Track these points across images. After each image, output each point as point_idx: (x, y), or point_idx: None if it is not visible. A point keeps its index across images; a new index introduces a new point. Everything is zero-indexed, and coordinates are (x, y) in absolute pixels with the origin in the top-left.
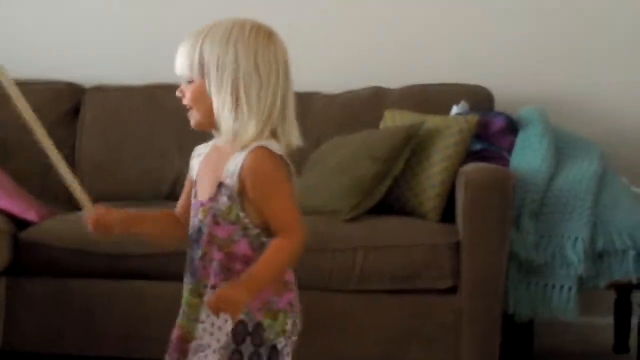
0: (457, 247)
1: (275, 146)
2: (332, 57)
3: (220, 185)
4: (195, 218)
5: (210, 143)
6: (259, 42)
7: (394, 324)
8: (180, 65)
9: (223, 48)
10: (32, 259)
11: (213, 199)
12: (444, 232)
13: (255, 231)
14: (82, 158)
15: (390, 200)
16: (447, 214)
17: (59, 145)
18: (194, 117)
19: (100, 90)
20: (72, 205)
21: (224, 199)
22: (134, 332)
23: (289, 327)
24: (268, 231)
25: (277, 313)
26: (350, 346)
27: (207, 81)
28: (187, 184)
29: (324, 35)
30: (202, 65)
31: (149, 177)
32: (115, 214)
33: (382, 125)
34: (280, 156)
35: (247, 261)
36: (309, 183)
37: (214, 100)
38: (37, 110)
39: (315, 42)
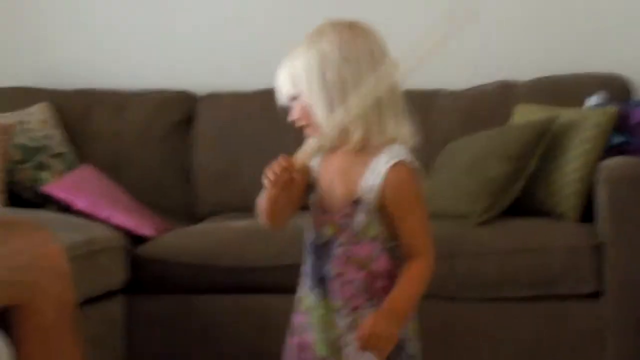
0: (598, 249)
1: (408, 156)
2: (455, 51)
3: (356, 201)
4: (320, 230)
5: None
6: (342, 36)
7: (530, 334)
8: (282, 84)
9: (308, 52)
10: (150, 276)
11: (348, 215)
12: (584, 233)
13: (393, 243)
14: (198, 168)
15: (524, 201)
16: (586, 214)
17: (173, 155)
18: (311, 132)
19: (214, 98)
20: (188, 218)
21: (361, 216)
22: (262, 349)
23: (415, 331)
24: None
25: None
26: (482, 358)
27: (303, 91)
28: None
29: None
30: (295, 77)
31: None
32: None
33: (511, 121)
34: (417, 170)
35: (389, 276)
36: (437, 185)
37: (314, 108)
38: (149, 120)
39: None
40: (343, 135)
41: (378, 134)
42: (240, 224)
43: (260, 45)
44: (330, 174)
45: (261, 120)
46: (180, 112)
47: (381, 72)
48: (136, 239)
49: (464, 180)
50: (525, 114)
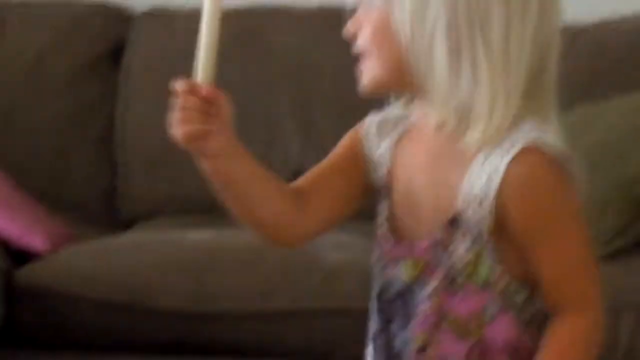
0: None
1: (552, 141)
2: None
3: (454, 220)
4: (393, 271)
5: (403, 117)
6: None
7: None
8: None
9: None
10: (36, 319)
11: (441, 244)
12: None
13: (522, 295)
14: (128, 136)
15: None
16: None
17: (85, 113)
18: (371, 70)
19: (158, 18)
20: (107, 221)
21: (463, 246)
22: None
23: None
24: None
25: None
26: None
27: (396, 8)
28: (339, 155)
29: None
30: None
31: None
32: (226, 136)
33: None
34: (568, 161)
35: (512, 352)
36: None
37: (412, 36)
38: (46, 51)
39: None
40: (461, 117)
41: (503, 109)
42: (196, 236)
43: None
44: (408, 172)
45: (236, 55)
46: (101, 38)
47: (546, 14)
48: (18, 256)
49: (584, 180)
50: None
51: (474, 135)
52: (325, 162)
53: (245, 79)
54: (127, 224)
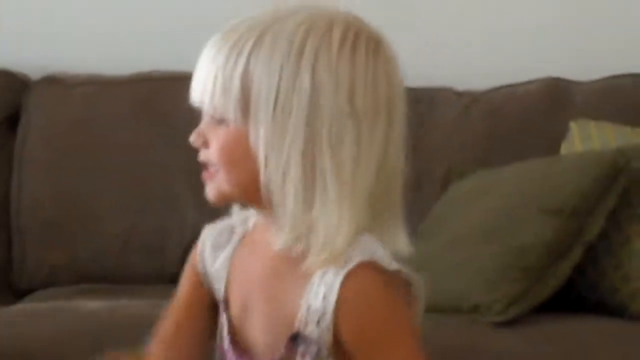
0: None
1: (381, 253)
2: (476, 33)
3: (295, 337)
4: None
5: (240, 224)
6: (357, 60)
7: None
8: (204, 89)
9: (290, 68)
10: None
11: None
12: None
13: None
14: (23, 204)
15: (580, 289)
16: None
17: None
18: (217, 185)
19: (55, 84)
20: (2, 292)
21: None
22: None
23: None
24: None
25: None
26: None
27: (252, 126)
28: (185, 292)
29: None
30: (246, 97)
31: (139, 240)
32: None
33: (564, 147)
34: (395, 274)
35: None
36: (432, 254)
37: (265, 162)
38: None
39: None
40: (307, 236)
41: (347, 233)
42: (91, 305)
43: (135, 5)
44: (245, 286)
45: (131, 123)
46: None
47: (394, 134)
48: None
49: (479, 247)
50: (588, 138)
51: (317, 257)
52: (177, 305)
53: (143, 146)
54: (22, 294)
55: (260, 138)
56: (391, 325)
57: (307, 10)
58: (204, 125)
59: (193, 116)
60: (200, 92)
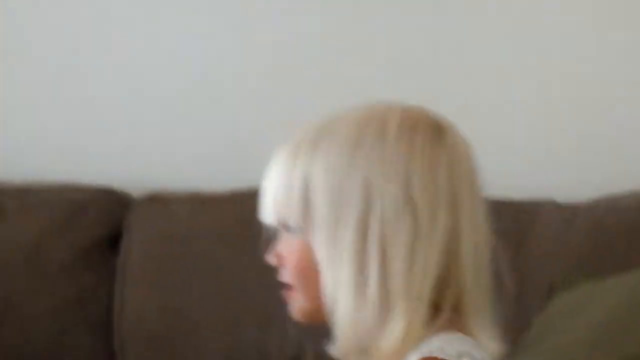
0: None
1: (453, 351)
2: (572, 142)
3: None
4: None
5: None
6: (415, 150)
7: None
8: (271, 206)
9: (344, 169)
10: None
11: None
12: None
13: None
14: (125, 319)
15: None
16: None
17: (87, 299)
18: (297, 303)
19: (157, 202)
20: None
21: None
22: None
23: None
24: None
25: None
26: None
27: (313, 233)
28: None
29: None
30: (306, 203)
31: (240, 357)
32: None
33: None
34: None
35: None
36: None
37: (324, 270)
38: (46, 237)
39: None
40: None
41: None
42: None
43: (233, 125)
44: None
45: (232, 240)
46: (101, 223)
47: (464, 229)
48: None
49: (585, 357)
50: None
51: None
52: None
53: (243, 263)
54: None
55: (319, 247)
56: None
57: (363, 106)
58: (279, 244)
59: None
60: (268, 210)
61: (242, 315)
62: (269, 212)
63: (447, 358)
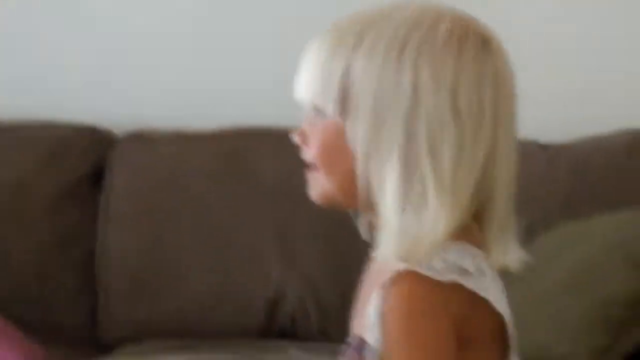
0: None
1: (457, 260)
2: (556, 82)
3: (360, 344)
4: None
5: None
6: (464, 57)
7: None
8: (305, 85)
9: (392, 65)
10: None
11: None
12: None
13: None
14: (108, 259)
15: None
16: None
17: (66, 235)
18: (318, 183)
19: (140, 141)
20: (86, 344)
21: None
22: None
23: None
24: None
25: None
26: None
27: (351, 122)
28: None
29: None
30: (345, 93)
31: (223, 296)
32: None
33: None
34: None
35: None
36: (513, 307)
37: (363, 160)
38: (29, 174)
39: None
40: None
41: (435, 238)
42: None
43: (218, 63)
44: (362, 287)
45: (216, 179)
46: (84, 161)
47: (502, 140)
48: None
49: (561, 300)
50: None
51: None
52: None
53: (228, 201)
54: (108, 348)
55: (358, 135)
56: (403, 333)
57: (414, 5)
58: (304, 123)
59: (277, 171)
60: (302, 88)
61: (226, 255)
62: (302, 90)
63: (430, 274)
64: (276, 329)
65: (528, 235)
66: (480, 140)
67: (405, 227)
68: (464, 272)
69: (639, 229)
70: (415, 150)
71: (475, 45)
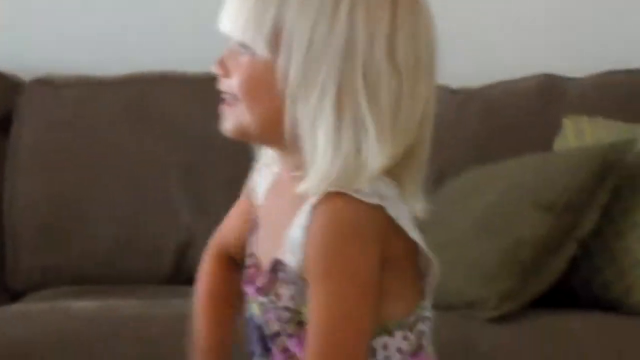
0: None
1: (380, 189)
2: (467, 29)
3: (276, 265)
4: (251, 307)
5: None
6: (399, 11)
7: None
8: (234, 21)
9: (327, 14)
10: None
11: (268, 287)
12: None
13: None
14: (16, 205)
15: (574, 284)
16: None
17: None
18: (236, 116)
19: (47, 85)
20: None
21: (286, 292)
22: None
23: None
24: None
25: None
26: None
27: (282, 63)
28: (239, 205)
29: None
30: (277, 35)
31: (133, 241)
32: None
33: (557, 143)
34: (378, 210)
35: None
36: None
37: (293, 102)
38: None
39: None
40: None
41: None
42: (82, 305)
43: (125, 6)
44: (270, 214)
45: (124, 124)
46: None
47: (432, 93)
48: None
49: (473, 244)
50: (582, 133)
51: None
52: (236, 207)
53: (137, 147)
54: (16, 295)
55: (289, 75)
56: (336, 254)
57: None
58: (228, 53)
59: (187, 116)
60: (230, 22)
61: (135, 201)
62: (229, 23)
63: (357, 196)
64: (185, 274)
65: (438, 180)
66: (418, 94)
67: (336, 169)
68: (385, 197)
69: (547, 172)
70: (352, 98)
71: (409, 2)
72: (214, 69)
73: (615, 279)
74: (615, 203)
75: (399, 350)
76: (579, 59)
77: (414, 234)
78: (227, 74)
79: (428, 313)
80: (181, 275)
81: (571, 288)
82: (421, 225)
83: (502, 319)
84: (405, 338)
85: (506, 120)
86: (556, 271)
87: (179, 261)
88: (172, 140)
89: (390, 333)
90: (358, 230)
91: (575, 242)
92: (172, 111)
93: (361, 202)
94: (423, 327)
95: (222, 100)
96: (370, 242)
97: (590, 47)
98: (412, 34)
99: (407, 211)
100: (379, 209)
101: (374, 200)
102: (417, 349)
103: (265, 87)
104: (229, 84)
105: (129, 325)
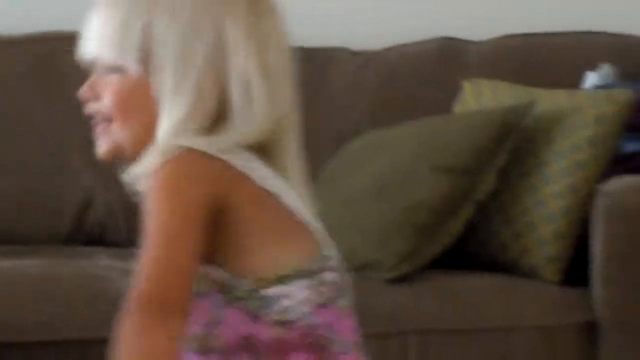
0: (591, 328)
1: (195, 144)
2: None
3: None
4: None
5: None
6: (259, 12)
7: None
8: (100, 44)
9: (196, 22)
10: None
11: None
12: (568, 303)
13: (244, 284)
14: None
15: (469, 246)
16: (574, 271)
17: None
18: (111, 137)
19: None
20: None
21: None
22: None
23: None
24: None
25: None
26: None
27: (154, 74)
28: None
29: None
30: (146, 48)
31: (32, 201)
32: None
33: (457, 107)
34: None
35: (249, 347)
36: (321, 214)
37: (167, 109)
38: None
39: None
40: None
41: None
42: None
43: None
44: None
45: (27, 83)
46: None
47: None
48: None
49: (370, 206)
50: (480, 96)
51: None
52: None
53: (37, 107)
54: None
55: (163, 86)
56: (163, 185)
57: None
58: (95, 77)
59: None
60: (96, 49)
61: (34, 160)
62: (93, 50)
63: (208, 151)
64: (85, 235)
65: (337, 142)
66: (284, 93)
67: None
68: (233, 152)
69: (446, 135)
70: (225, 98)
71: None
72: (82, 95)
73: (511, 241)
74: (512, 166)
75: (303, 301)
76: (478, 22)
77: (270, 183)
78: (97, 97)
79: (334, 262)
80: (81, 236)
81: (469, 250)
82: (318, 189)
83: (399, 280)
84: (308, 287)
85: (406, 83)
86: (454, 233)
87: (78, 221)
88: (74, 100)
89: (284, 282)
90: (189, 170)
91: (473, 204)
92: (76, 71)
93: (203, 152)
94: (330, 276)
95: (94, 126)
96: (200, 181)
97: (490, 11)
98: (277, 39)
99: (272, 173)
100: (221, 161)
101: (217, 154)
102: (327, 302)
103: (137, 101)
104: (99, 106)
105: (31, 286)
